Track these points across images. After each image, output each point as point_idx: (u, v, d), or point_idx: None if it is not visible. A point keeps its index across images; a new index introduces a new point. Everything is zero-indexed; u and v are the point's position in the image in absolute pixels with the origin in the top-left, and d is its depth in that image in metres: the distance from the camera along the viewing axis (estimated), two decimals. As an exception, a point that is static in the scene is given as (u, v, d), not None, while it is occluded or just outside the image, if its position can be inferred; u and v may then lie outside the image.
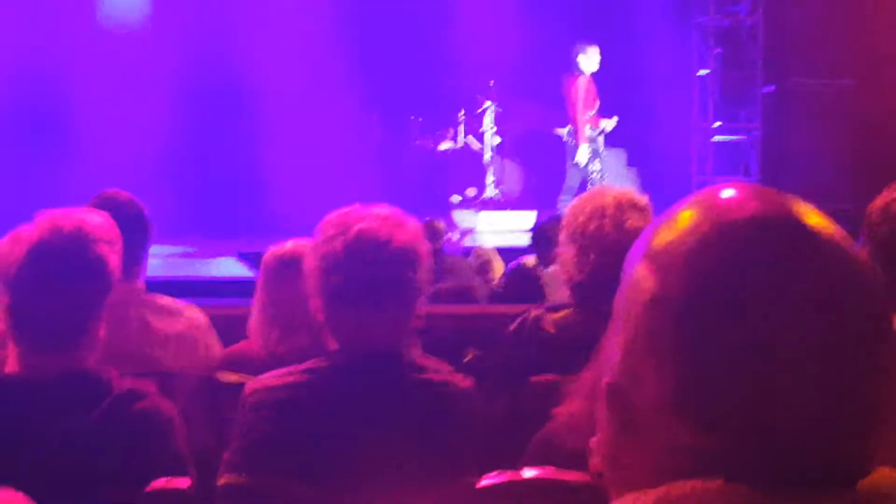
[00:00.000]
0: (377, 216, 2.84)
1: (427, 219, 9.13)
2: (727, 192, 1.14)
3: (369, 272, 2.78)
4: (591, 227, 3.35)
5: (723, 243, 1.09)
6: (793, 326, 1.05)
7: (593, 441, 1.18)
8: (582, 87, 11.77)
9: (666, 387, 1.08)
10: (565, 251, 3.46)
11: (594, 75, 11.81)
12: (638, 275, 1.13)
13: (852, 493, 1.06)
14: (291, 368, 2.83)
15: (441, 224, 9.19)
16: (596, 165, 11.80)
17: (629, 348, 1.12)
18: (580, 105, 11.72)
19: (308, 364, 2.83)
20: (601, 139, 11.95)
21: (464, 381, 2.89)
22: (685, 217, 1.13)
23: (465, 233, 11.79)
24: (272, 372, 2.85)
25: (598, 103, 11.90)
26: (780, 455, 1.05)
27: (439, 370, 2.90)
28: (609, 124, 11.87)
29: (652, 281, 1.11)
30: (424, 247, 2.87)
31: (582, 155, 11.76)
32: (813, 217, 1.11)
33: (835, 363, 1.05)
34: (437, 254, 9.01)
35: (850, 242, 1.10)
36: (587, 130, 11.80)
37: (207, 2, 13.21)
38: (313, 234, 2.94)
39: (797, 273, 1.07)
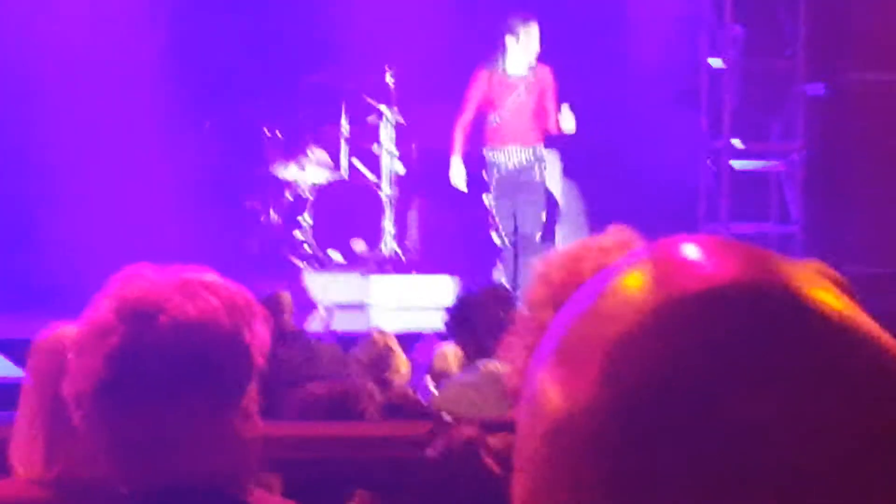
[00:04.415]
0: (163, 284, 1.64)
1: (273, 292, 5.26)
2: (686, 251, 0.56)
3: (159, 358, 1.57)
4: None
5: (672, 327, 0.53)
6: (773, 451, 0.52)
7: None
8: None
9: None
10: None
11: None
12: (539, 387, 0.57)
13: None
14: None
15: (287, 297, 5.31)
16: None
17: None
18: None
19: None
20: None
21: None
22: (615, 293, 0.57)
23: (331, 312, 7.14)
24: None
25: None
26: None
27: None
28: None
29: (557, 394, 0.55)
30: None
31: None
32: (816, 289, 0.55)
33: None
34: (294, 338, 5.15)
35: (871, 327, 0.54)
36: None
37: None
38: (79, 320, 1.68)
39: (789, 368, 0.52)
